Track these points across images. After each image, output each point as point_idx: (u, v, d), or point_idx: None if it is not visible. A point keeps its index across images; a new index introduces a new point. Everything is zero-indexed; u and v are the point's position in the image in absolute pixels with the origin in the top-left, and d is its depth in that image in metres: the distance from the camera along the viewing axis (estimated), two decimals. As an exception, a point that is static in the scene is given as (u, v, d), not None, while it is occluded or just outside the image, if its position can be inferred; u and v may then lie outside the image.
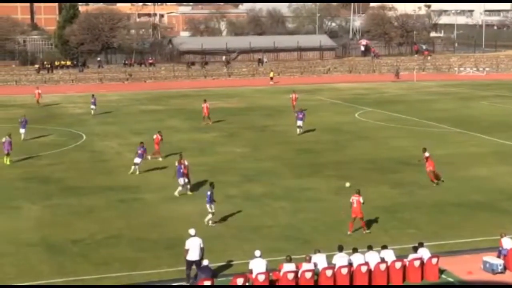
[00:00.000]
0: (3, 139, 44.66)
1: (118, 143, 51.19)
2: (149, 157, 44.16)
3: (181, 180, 36.41)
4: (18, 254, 28.03)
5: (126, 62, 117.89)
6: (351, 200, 30.55)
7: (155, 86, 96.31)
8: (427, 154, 38.54)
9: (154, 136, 45.92)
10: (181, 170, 36.44)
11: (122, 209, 34.48)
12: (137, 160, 41.41)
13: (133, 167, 41.45)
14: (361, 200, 30.27)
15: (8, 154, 44.20)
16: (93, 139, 54.03)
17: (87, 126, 60.25)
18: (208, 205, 31.31)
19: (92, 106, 66.41)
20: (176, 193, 36.40)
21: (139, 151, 41.43)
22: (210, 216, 31.36)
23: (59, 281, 25.20)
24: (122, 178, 40.63)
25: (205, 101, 61.11)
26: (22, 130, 52.33)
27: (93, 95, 67.88)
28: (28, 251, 28.36)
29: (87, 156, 47.66)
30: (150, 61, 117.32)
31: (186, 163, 37.13)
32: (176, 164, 37.15)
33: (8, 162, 44.05)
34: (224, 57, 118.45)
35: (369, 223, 30.99)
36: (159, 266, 26.57)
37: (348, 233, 30.06)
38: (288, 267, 24.07)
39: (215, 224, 31.40)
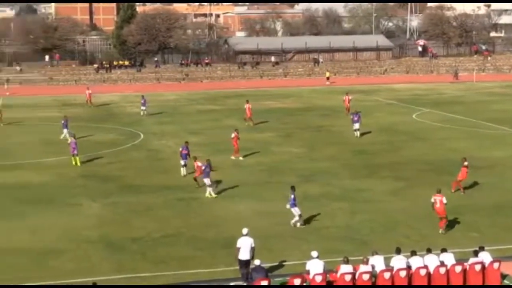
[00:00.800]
0: (69, 140, 45.22)
1: (175, 143, 51.45)
2: (241, 157, 45.01)
3: (207, 180, 36.46)
4: (79, 250, 28.45)
5: (183, 62, 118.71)
6: (432, 200, 30.35)
7: (211, 86, 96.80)
8: (466, 163, 37.52)
9: (232, 135, 45.98)
10: (207, 170, 36.50)
11: (179, 208, 34.74)
12: (183, 161, 41.24)
13: (182, 169, 41.41)
14: (444, 200, 30.06)
15: (74, 155, 44.41)
16: (151, 138, 54.57)
17: (145, 125, 60.85)
18: (292, 209, 31.13)
19: (142, 107, 66.75)
20: (207, 194, 36.46)
21: (183, 152, 41.32)
22: (296, 218, 31.25)
23: (117, 278, 25.49)
24: (179, 177, 40.81)
25: (247, 101, 61.00)
26: (64, 131, 52.91)
27: (142, 96, 68.24)
28: (89, 248, 28.78)
29: (144, 155, 48.16)
30: (206, 61, 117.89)
31: (200, 164, 37.58)
32: (198, 163, 37.69)
33: (78, 163, 44.32)
34: (273, 58, 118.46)
35: (427, 225, 30.66)
36: (216, 265, 26.68)
37: (440, 231, 29.98)
38: (345, 268, 23.92)
39: (304, 225, 31.31)
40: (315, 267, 23.88)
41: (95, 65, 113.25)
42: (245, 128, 57.37)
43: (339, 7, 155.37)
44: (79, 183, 40.11)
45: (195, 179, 38.23)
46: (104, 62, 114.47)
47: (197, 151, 46.12)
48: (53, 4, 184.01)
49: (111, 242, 29.41)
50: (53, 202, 35.72)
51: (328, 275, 23.95)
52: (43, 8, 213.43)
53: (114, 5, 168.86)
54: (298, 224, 31.24)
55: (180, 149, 41.96)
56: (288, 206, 31.24)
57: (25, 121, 63.88)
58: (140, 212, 33.97)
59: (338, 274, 23.86)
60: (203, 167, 36.91)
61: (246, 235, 25.31)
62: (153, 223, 32.17)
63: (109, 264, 27.00)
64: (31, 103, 77.95)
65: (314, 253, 24.22)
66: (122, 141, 53.18)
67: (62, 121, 53.63)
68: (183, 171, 40.98)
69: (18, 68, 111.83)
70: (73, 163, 44.20)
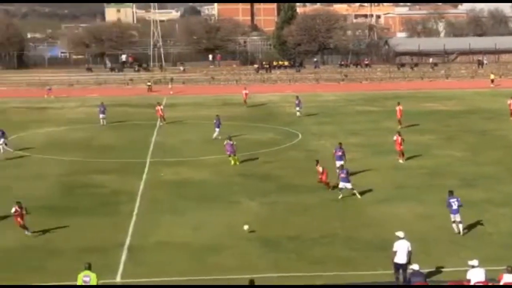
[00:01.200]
0: (225, 142, 45.93)
1: (333, 143, 51.17)
2: (400, 160, 44.47)
3: (343, 185, 35.87)
4: (238, 247, 28.81)
5: (342, 63, 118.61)
6: None
7: (370, 87, 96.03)
8: None
9: (394, 137, 45.43)
10: (342, 176, 35.99)
11: (336, 208, 34.51)
12: (338, 163, 40.40)
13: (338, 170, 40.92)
14: None
15: (230, 156, 44.92)
16: (309, 138, 54.69)
17: (303, 125, 61.08)
18: (453, 215, 30.10)
19: (297, 108, 66.77)
20: (358, 196, 36.02)
21: (337, 153, 40.79)
22: (460, 225, 30.23)
23: (274, 276, 25.59)
24: (336, 178, 40.28)
25: (398, 103, 59.55)
26: (216, 130, 53.76)
27: (297, 96, 68.33)
28: (247, 245, 29.09)
29: (303, 155, 48.23)
30: (366, 62, 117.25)
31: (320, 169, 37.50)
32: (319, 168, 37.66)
33: (237, 163, 44.78)
34: (431, 59, 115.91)
35: None
36: (373, 268, 26.25)
37: None
38: (509, 278, 22.85)
39: (464, 232, 30.25)
40: (476, 276, 22.98)
41: (255, 65, 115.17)
42: (405, 130, 56.31)
43: (506, 7, 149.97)
44: (237, 181, 40.72)
45: (321, 182, 37.87)
46: (264, 63, 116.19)
47: (355, 152, 46.05)
48: (216, 5, 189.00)
49: (268, 241, 29.58)
50: (213, 199, 36.43)
51: (489, 284, 23.00)
52: (206, 9, 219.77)
53: (274, 6, 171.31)
54: (457, 230, 30.09)
55: (334, 150, 41.68)
56: (458, 217, 30.08)
57: (187, 120, 65.72)
58: (297, 212, 34.02)
59: (501, 283, 22.88)
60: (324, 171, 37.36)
61: (402, 238, 24.75)
62: (310, 223, 32.12)
63: (266, 262, 27.17)
64: (193, 102, 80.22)
65: (475, 262, 23.24)
66: (280, 141, 53.60)
67: (214, 121, 54.59)
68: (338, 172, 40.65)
69: (181, 68, 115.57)
70: (232, 163, 44.84)
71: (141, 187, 39.42)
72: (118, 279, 25.58)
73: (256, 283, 21.86)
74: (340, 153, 40.69)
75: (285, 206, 35.09)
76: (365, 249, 28.44)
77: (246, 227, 30.24)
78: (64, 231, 30.95)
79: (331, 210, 34.25)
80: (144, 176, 42.16)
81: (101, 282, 22.72)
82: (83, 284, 22.10)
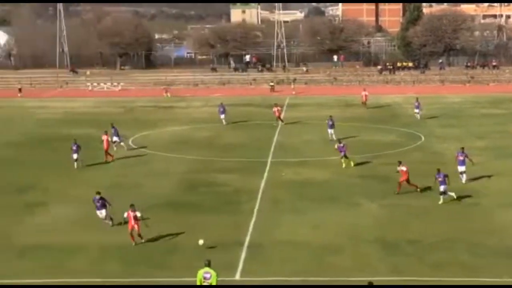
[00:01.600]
0: (336, 146, 45.47)
1: (457, 147, 49.91)
2: None
3: (443, 188, 35.15)
4: (357, 249, 28.71)
5: (468, 64, 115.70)
6: None
7: (498, 89, 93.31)
8: None
9: None
10: (440, 179, 35.16)
11: (458, 212, 33.76)
12: (461, 168, 39.54)
13: (461, 175, 39.74)
14: None
15: (344, 157, 44.53)
16: (432, 140, 53.68)
17: (426, 127, 60.00)
18: None
19: (416, 110, 65.19)
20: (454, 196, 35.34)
21: (459, 158, 39.76)
22: None
23: (394, 279, 25.27)
24: (458, 183, 39.25)
25: None
26: (330, 131, 53.28)
27: (417, 99, 66.68)
28: (366, 247, 28.92)
29: (426, 157, 47.26)
30: (494, 64, 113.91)
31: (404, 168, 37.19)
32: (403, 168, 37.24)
33: (344, 165, 44.24)
34: None
35: None
36: (498, 275, 25.47)
37: None
38: None
39: None
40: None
41: (379, 67, 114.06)
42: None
43: None
44: (357, 182, 40.48)
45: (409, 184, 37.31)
46: (387, 64, 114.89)
47: (480, 156, 44.88)
48: (340, 6, 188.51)
49: (388, 243, 29.28)
50: (333, 200, 36.38)
51: None
52: (330, 10, 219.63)
53: (400, 6, 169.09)
54: None
55: (456, 154, 40.69)
56: None
57: (309, 120, 65.69)
58: (418, 215, 33.50)
59: None
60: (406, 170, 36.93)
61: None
62: (431, 226, 31.56)
63: (385, 264, 26.91)
64: (315, 103, 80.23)
65: None
66: (402, 143, 52.82)
67: (327, 121, 54.26)
68: (462, 177, 39.52)
69: (304, 68, 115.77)
70: (352, 164, 44.45)
71: (262, 186, 39.78)
72: (237, 277, 25.91)
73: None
74: (461, 158, 39.71)
75: (405, 208, 34.62)
76: (489, 255, 27.71)
77: (201, 242, 28.30)
78: (186, 228, 31.53)
79: (452, 214, 33.52)
80: (265, 175, 42.50)
81: (221, 279, 23.04)
82: (203, 280, 22.52)
